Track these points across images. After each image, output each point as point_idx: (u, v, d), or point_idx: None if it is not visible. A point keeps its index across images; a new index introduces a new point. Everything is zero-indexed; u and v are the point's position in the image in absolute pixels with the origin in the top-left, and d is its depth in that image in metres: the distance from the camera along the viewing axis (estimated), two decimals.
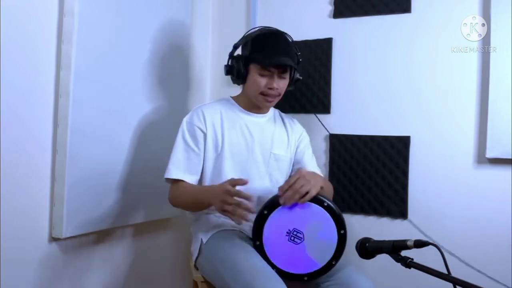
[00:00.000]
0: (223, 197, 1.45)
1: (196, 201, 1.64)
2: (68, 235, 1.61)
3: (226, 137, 1.70)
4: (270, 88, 1.68)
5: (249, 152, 1.72)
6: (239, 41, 1.76)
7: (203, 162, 1.71)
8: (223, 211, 1.47)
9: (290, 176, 1.74)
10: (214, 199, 1.50)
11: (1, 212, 1.44)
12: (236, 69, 1.70)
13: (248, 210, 1.43)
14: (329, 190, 1.74)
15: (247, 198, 1.44)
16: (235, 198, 1.43)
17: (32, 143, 1.54)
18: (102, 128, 1.72)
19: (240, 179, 1.46)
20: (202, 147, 1.69)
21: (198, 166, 1.70)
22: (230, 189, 1.45)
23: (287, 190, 1.48)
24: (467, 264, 1.80)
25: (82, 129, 1.63)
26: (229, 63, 1.74)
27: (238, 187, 1.45)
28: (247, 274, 1.41)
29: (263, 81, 1.67)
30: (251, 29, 1.78)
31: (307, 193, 1.47)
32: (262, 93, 1.69)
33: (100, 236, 1.82)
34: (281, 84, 1.70)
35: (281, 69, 1.68)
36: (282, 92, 1.73)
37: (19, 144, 1.50)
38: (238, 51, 1.76)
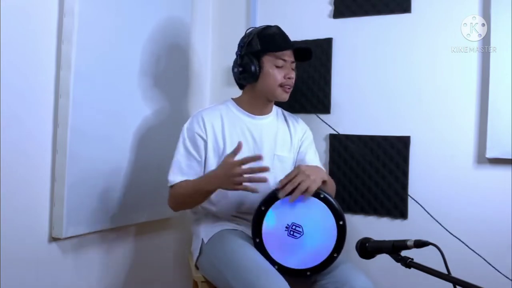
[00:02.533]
0: (232, 171, 1.44)
1: (197, 190, 1.60)
2: (68, 235, 1.61)
3: (228, 141, 1.69)
4: (289, 78, 1.70)
5: (252, 155, 1.71)
6: (245, 38, 1.73)
7: (205, 168, 1.70)
8: (237, 185, 1.46)
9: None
10: (221, 179, 1.49)
11: (1, 212, 1.44)
12: (250, 66, 1.67)
13: (263, 170, 1.43)
14: (331, 186, 1.74)
15: (256, 159, 1.45)
16: (244, 166, 1.43)
17: (32, 143, 1.54)
18: (102, 128, 1.72)
19: (237, 148, 1.45)
20: (203, 154, 1.68)
21: (200, 172, 1.69)
22: (234, 161, 1.44)
23: (286, 184, 1.50)
24: (466, 264, 1.79)
25: (82, 129, 1.63)
26: (240, 62, 1.71)
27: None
28: (249, 274, 1.42)
29: (280, 72, 1.68)
30: (249, 28, 1.78)
31: (307, 189, 1.49)
32: (281, 85, 1.70)
33: (100, 236, 1.82)
34: (294, 75, 1.73)
35: (293, 58, 1.71)
36: (293, 84, 1.75)
37: (19, 144, 1.50)
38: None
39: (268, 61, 1.68)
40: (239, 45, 1.75)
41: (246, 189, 1.46)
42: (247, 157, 1.46)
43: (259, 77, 1.69)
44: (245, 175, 1.44)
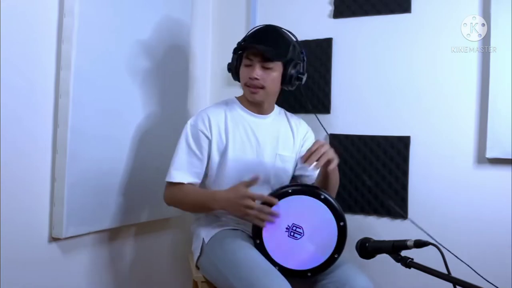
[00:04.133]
0: (245, 203, 1.49)
1: (200, 205, 1.65)
2: (68, 235, 1.61)
3: (231, 139, 1.70)
4: (250, 78, 1.65)
5: (254, 154, 1.72)
6: (241, 40, 1.75)
7: (208, 166, 1.70)
8: (245, 215, 1.51)
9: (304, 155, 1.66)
10: (230, 204, 1.53)
11: (1, 212, 1.44)
12: (230, 65, 1.74)
13: (274, 214, 1.51)
14: (335, 179, 1.75)
15: (270, 202, 1.51)
16: (257, 202, 1.49)
17: (32, 143, 1.54)
18: (102, 128, 1.72)
19: (253, 180, 1.50)
20: (205, 153, 1.69)
21: (200, 170, 1.69)
22: (251, 194, 1.49)
23: (309, 156, 1.52)
24: (466, 264, 1.79)
25: (82, 129, 1.63)
26: (230, 61, 1.76)
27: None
28: (250, 274, 1.42)
29: (245, 71, 1.68)
30: (254, 27, 1.77)
31: (328, 161, 1.55)
32: (246, 84, 1.69)
33: (100, 236, 1.82)
34: (264, 75, 1.65)
35: (260, 57, 1.64)
36: (268, 86, 1.66)
37: (19, 144, 1.49)
38: None
39: (242, 62, 1.70)
40: (238, 43, 1.75)
41: (252, 221, 1.53)
42: (265, 196, 1.52)
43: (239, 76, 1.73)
44: (255, 210, 1.49)
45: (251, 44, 1.66)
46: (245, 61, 1.67)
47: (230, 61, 1.76)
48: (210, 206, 1.61)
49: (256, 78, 1.64)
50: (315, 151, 1.53)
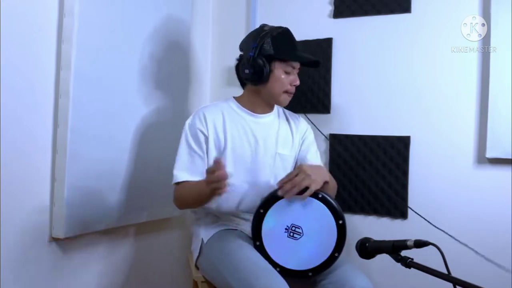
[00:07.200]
0: (207, 178, 1.45)
1: (201, 193, 1.60)
2: (68, 235, 1.61)
3: (229, 139, 1.70)
4: (294, 85, 1.71)
5: (253, 153, 1.72)
6: (257, 39, 1.67)
7: (207, 164, 1.70)
8: (213, 190, 1.45)
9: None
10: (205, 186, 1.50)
11: (1, 212, 1.44)
12: (262, 69, 1.65)
13: (224, 177, 1.40)
14: (333, 187, 1.73)
15: (222, 175, 1.41)
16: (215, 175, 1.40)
17: (32, 143, 1.54)
18: (102, 128, 1.72)
19: (217, 162, 1.42)
20: (205, 149, 1.69)
21: (203, 168, 1.68)
22: (207, 169, 1.45)
23: (286, 182, 1.50)
24: (466, 264, 1.79)
25: (82, 129, 1.63)
26: (252, 63, 1.65)
27: None
28: (248, 273, 1.42)
29: (287, 78, 1.69)
30: (264, 26, 1.73)
31: (307, 188, 1.49)
32: (286, 91, 1.71)
33: (100, 236, 1.82)
34: (299, 81, 1.75)
35: (300, 65, 1.72)
36: None
37: (19, 144, 1.50)
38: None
39: (279, 66, 1.67)
40: (251, 45, 1.68)
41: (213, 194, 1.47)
42: (212, 168, 1.42)
43: (268, 80, 1.68)
44: (215, 183, 1.43)
45: (303, 55, 1.72)
46: (286, 68, 1.68)
47: (232, 61, 1.74)
48: (205, 192, 1.54)
49: (298, 84, 1.72)
50: (292, 178, 1.50)
